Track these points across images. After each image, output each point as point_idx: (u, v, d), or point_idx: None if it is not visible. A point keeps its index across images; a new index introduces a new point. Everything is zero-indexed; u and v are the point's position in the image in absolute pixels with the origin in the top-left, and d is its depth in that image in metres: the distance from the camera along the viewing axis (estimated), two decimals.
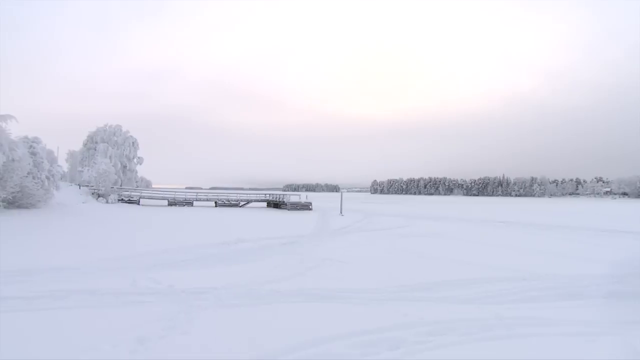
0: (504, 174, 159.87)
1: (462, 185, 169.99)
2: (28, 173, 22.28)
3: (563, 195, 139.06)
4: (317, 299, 6.70)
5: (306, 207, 36.47)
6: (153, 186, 50.89)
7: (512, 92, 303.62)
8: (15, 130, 21.67)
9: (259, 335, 4.80)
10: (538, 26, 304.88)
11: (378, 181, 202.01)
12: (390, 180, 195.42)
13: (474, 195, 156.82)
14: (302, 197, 39.43)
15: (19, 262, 8.87)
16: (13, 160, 20.70)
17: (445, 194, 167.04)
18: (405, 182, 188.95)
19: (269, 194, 43.36)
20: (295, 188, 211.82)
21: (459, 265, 10.56)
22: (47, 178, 24.43)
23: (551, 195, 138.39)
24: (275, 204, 39.38)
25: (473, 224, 24.71)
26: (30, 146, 23.70)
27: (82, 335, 4.61)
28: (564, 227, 23.05)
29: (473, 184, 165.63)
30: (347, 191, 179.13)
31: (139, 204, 35.02)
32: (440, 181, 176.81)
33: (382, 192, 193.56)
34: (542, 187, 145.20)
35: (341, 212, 31.40)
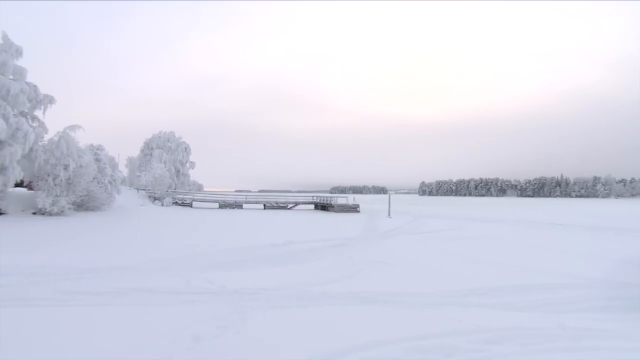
0: (562, 174, 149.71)
1: (516, 186, 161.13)
2: (93, 178, 24.29)
3: (633, 195, 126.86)
4: (367, 302, 6.64)
5: (353, 209, 36.34)
6: (204, 189, 53.09)
7: (571, 87, 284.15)
8: (82, 139, 23.81)
9: (310, 338, 4.83)
10: (599, 12, 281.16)
11: (426, 182, 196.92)
12: (439, 181, 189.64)
13: (529, 196, 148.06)
14: (350, 199, 39.40)
15: (86, 260, 9.67)
16: (81, 166, 22.66)
17: (497, 196, 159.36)
18: (454, 183, 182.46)
19: (316, 197, 43.73)
20: (342, 190, 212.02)
21: (515, 270, 10.02)
22: (110, 183, 26.49)
23: (618, 195, 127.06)
24: (322, 206, 39.63)
25: (528, 227, 23.34)
26: (95, 153, 25.81)
27: (142, 331, 4.90)
28: (633, 230, 21.05)
29: (528, 185, 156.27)
30: (395, 193, 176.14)
31: (191, 207, 36.82)
32: (492, 182, 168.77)
33: (430, 193, 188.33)
34: (607, 187, 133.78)
35: (389, 214, 30.95)
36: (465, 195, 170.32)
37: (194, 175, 51.63)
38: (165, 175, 37.82)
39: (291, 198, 44.19)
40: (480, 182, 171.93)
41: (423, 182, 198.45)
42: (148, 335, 4.75)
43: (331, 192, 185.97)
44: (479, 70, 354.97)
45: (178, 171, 47.30)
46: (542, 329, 5.29)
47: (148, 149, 48.32)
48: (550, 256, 12.41)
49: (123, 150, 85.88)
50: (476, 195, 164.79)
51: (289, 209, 39.60)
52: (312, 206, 41.71)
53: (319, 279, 8.47)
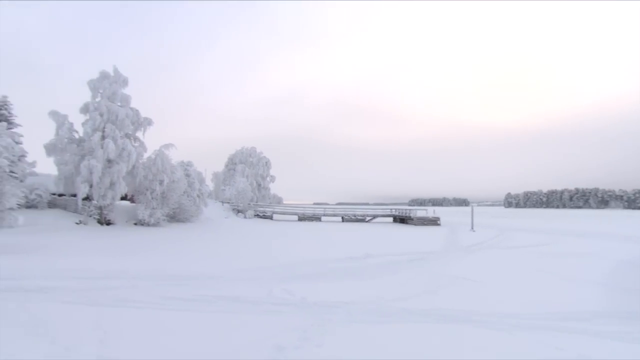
0: None
1: (622, 196, 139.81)
2: (184, 192, 26.63)
3: None
4: (451, 320, 6.22)
5: (434, 222, 34.94)
6: (284, 202, 55.16)
7: None
8: (174, 156, 26.26)
9: (391, 355, 4.63)
10: None
11: (512, 194, 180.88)
12: (527, 192, 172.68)
13: (639, 208, 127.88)
14: (429, 211, 37.94)
15: (178, 267, 10.50)
16: (173, 181, 25.01)
17: (597, 208, 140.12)
18: (545, 194, 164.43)
19: (395, 209, 42.83)
20: (421, 203, 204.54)
21: (624, 293, 8.68)
22: (198, 196, 28.77)
23: None
24: (401, 219, 38.73)
25: (637, 243, 20.09)
26: (185, 169, 28.31)
27: (227, 339, 5.10)
28: None
29: (637, 195, 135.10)
30: (478, 205, 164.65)
31: (272, 219, 38.37)
32: (590, 192, 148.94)
33: (517, 205, 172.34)
34: None
35: (472, 228, 29.07)
36: (558, 207, 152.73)
37: (274, 188, 54.02)
38: (248, 189, 40.04)
39: (369, 211, 43.82)
40: (577, 193, 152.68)
41: (509, 193, 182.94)
42: (233, 343, 4.93)
43: (410, 205, 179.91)
44: (561, 74, 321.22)
45: (259, 185, 49.83)
46: None
47: (232, 164, 51.79)
48: None
49: (209, 165, 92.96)
50: (571, 208, 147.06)
51: (367, 221, 39.31)
52: (391, 219, 40.93)
53: (399, 293, 8.18)
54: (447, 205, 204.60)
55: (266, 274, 10.23)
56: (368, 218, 40.14)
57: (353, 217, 39.89)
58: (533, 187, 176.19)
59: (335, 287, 8.79)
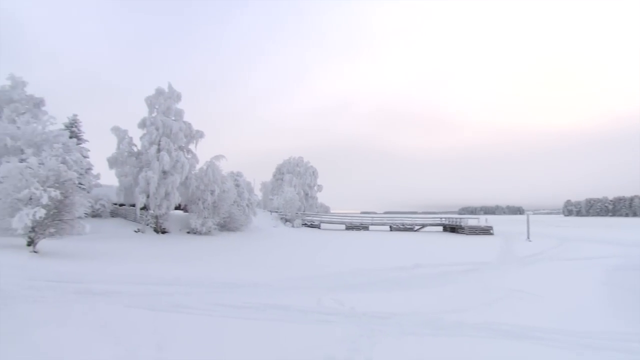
0: None
1: None
2: (234, 202, 27.54)
3: None
4: (509, 336, 5.89)
5: (486, 231, 33.45)
6: (331, 211, 55.39)
7: None
8: (224, 167, 27.28)
9: None
10: None
11: (572, 201, 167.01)
12: (590, 199, 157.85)
13: None
14: (481, 220, 36.41)
15: (228, 275, 10.83)
16: (224, 191, 25.98)
17: None
18: (611, 201, 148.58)
19: (445, 218, 41.53)
20: (472, 211, 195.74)
21: None
22: (247, 206, 29.63)
23: None
24: (451, 228, 37.51)
25: None
26: (235, 179, 29.31)
27: (277, 347, 5.18)
28: None
29: None
30: (533, 213, 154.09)
31: (319, 228, 38.58)
32: None
33: (578, 214, 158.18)
34: None
35: (528, 237, 27.41)
36: (627, 215, 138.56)
37: (322, 197, 54.45)
38: (295, 198, 40.67)
39: (418, 220, 42.80)
40: None
41: (568, 200, 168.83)
42: (283, 351, 5.00)
43: (460, 213, 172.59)
44: (620, 70, 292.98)
45: (306, 194, 50.43)
46: None
47: (279, 173, 52.97)
48: None
49: (258, 175, 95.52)
50: None
51: (415, 230, 38.43)
52: (441, 228, 39.70)
53: (451, 305, 7.91)
54: (499, 214, 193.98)
55: (314, 283, 10.28)
56: (417, 227, 39.23)
57: (401, 226, 39.16)
58: (596, 193, 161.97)
59: (384, 298, 8.66)
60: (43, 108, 24.29)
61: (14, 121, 19.75)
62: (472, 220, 36.44)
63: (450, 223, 38.73)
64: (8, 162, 13.33)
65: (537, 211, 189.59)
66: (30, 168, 12.93)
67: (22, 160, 13.45)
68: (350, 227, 38.82)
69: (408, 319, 6.73)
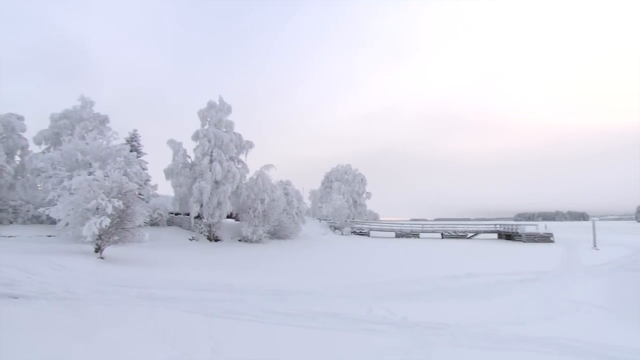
0: None
1: None
2: (283, 210, 28.09)
3: None
4: (574, 353, 5.52)
5: (546, 238, 31.35)
6: (380, 219, 54.69)
7: None
8: (274, 176, 27.96)
9: None
10: None
11: None
12: None
13: None
14: (540, 227, 34.24)
15: (279, 283, 11.02)
16: (273, 200, 26.59)
17: None
18: None
19: (500, 224, 39.52)
20: (529, 217, 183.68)
21: None
22: (297, 214, 30.08)
23: None
24: (507, 235, 35.63)
25: None
26: (284, 188, 29.90)
27: (331, 355, 5.20)
28: None
29: None
30: (600, 219, 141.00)
31: (369, 236, 38.23)
32: None
33: None
34: None
35: (594, 245, 25.25)
36: None
37: (370, 205, 54.03)
38: (344, 206, 40.68)
39: (471, 227, 41.06)
40: None
41: None
42: None
43: (516, 220, 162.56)
44: None
45: (355, 202, 50.29)
46: None
47: (328, 181, 53.33)
48: None
49: (306, 183, 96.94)
50: None
51: (468, 238, 36.91)
52: (495, 235, 37.82)
53: (510, 317, 7.53)
54: (560, 220, 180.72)
55: (365, 291, 10.19)
56: (470, 234, 37.69)
57: (453, 234, 37.80)
58: None
59: (437, 307, 8.40)
60: (107, 124, 26.48)
61: (83, 137, 21.57)
62: (529, 227, 34.46)
63: (506, 230, 36.85)
64: (79, 175, 14.55)
65: (603, 217, 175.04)
66: (97, 180, 14.02)
67: (90, 174, 14.63)
68: (400, 235, 38.10)
69: (462, 330, 6.49)
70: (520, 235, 33.01)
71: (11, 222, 21.78)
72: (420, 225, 41.24)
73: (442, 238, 37.13)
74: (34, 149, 25.30)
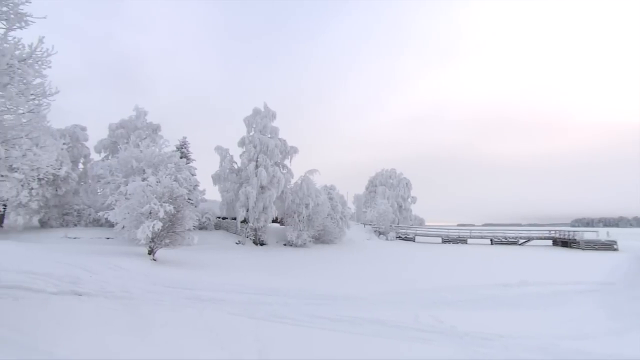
0: None
1: None
2: (327, 215, 28.18)
3: None
4: None
5: (609, 246, 29.06)
6: (426, 224, 53.40)
7: None
8: (318, 181, 28.20)
9: None
10: None
11: None
12: None
13: None
14: (601, 233, 31.82)
15: (323, 287, 11.02)
16: (318, 204, 26.76)
17: None
18: None
19: (555, 231, 37.19)
20: (588, 223, 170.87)
21: None
22: (341, 218, 30.05)
23: None
24: (563, 242, 33.44)
25: None
26: (329, 193, 30.00)
27: None
28: None
29: None
30: None
31: (414, 241, 37.39)
32: None
33: None
34: None
35: None
36: None
37: (416, 209, 52.88)
38: (389, 210, 40.11)
39: (522, 232, 38.98)
40: None
41: None
42: None
43: (572, 225, 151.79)
44: None
45: (400, 206, 49.43)
46: None
47: (372, 186, 52.82)
48: None
49: (350, 188, 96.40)
50: None
51: (520, 244, 35.07)
52: (549, 242, 35.63)
53: (568, 331, 7.04)
54: (624, 226, 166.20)
55: (410, 297, 9.96)
56: (521, 240, 35.79)
57: (503, 240, 36.08)
58: None
59: (488, 317, 8.03)
60: (159, 132, 27.98)
61: (137, 145, 22.94)
62: (589, 234, 32.24)
63: (562, 236, 34.61)
64: (134, 181, 15.46)
65: None
66: (150, 186, 14.80)
67: (143, 179, 15.49)
68: (446, 240, 36.92)
69: (516, 342, 6.14)
70: (578, 243, 30.91)
71: (75, 225, 23.61)
72: (468, 231, 39.79)
73: (492, 244, 35.60)
74: (95, 157, 27.38)
